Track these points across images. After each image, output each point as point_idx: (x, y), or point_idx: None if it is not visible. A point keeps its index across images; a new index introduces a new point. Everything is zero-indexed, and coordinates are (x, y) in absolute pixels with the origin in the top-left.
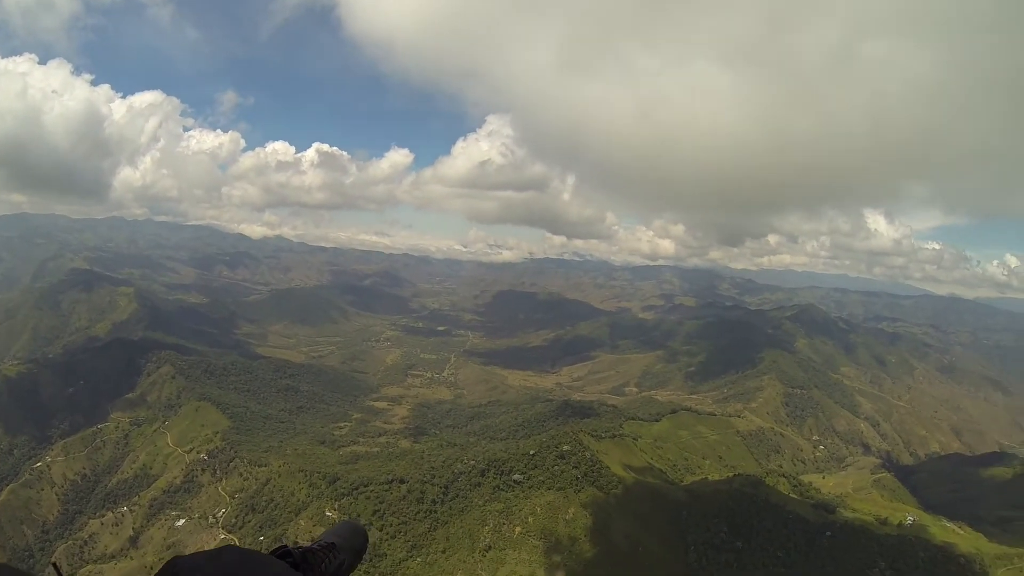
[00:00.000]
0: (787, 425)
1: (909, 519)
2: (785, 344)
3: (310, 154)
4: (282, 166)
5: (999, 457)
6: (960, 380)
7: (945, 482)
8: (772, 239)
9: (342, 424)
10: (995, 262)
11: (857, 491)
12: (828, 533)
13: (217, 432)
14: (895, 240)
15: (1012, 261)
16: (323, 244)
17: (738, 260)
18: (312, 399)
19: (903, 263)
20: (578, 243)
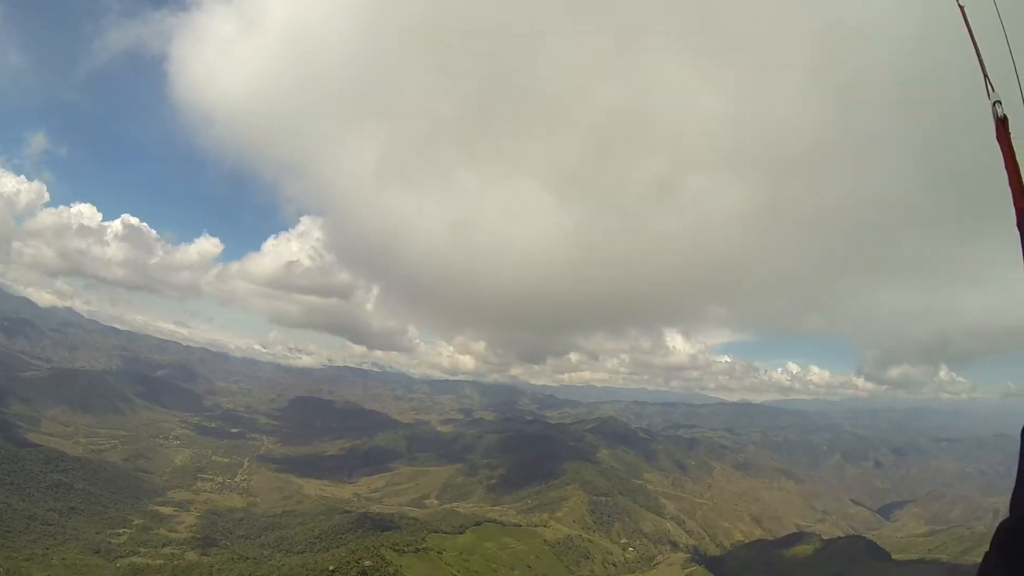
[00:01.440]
0: (594, 531)
1: None
2: (587, 455)
3: (117, 224)
4: (85, 231)
5: (798, 537)
6: (755, 474)
7: (753, 566)
8: (573, 356)
9: (121, 531)
10: (779, 369)
11: None
12: None
13: None
14: (691, 355)
15: (793, 367)
16: (117, 325)
17: (539, 376)
18: (87, 499)
19: (698, 375)
20: (378, 354)
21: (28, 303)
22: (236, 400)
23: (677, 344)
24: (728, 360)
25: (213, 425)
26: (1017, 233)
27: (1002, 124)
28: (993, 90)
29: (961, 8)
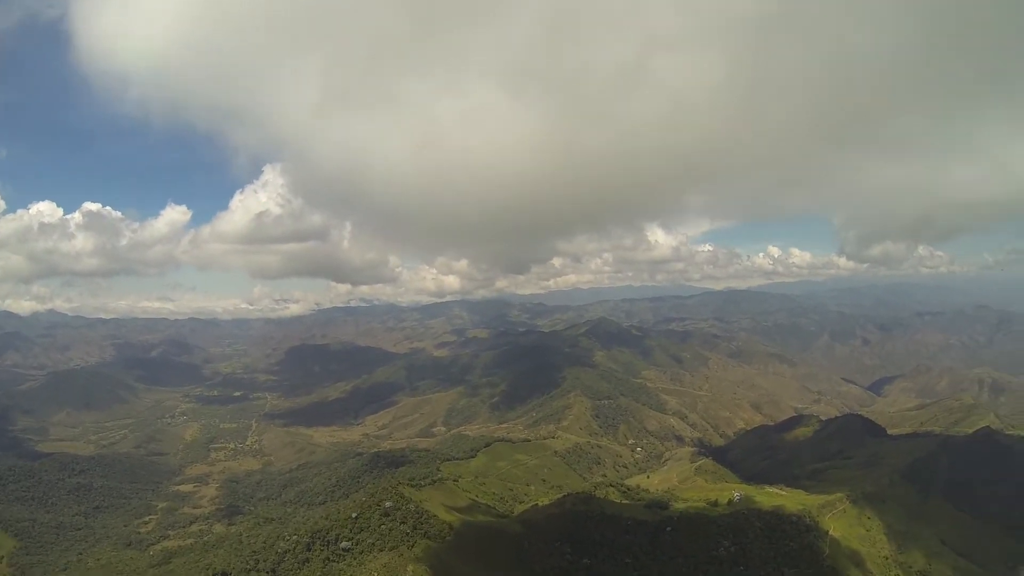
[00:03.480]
0: (601, 436)
1: (736, 495)
2: (584, 360)
3: (79, 215)
4: (48, 229)
5: (798, 420)
6: (749, 361)
7: (757, 452)
8: (557, 262)
9: (147, 519)
10: (761, 254)
11: (683, 482)
12: (668, 528)
13: (2, 558)
14: (673, 248)
15: (774, 251)
16: (102, 315)
17: (525, 286)
18: (109, 495)
19: (683, 267)
20: (364, 289)
21: (9, 315)
22: (233, 363)
23: (658, 238)
24: (710, 249)
25: (215, 393)
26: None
27: None
28: None
29: None
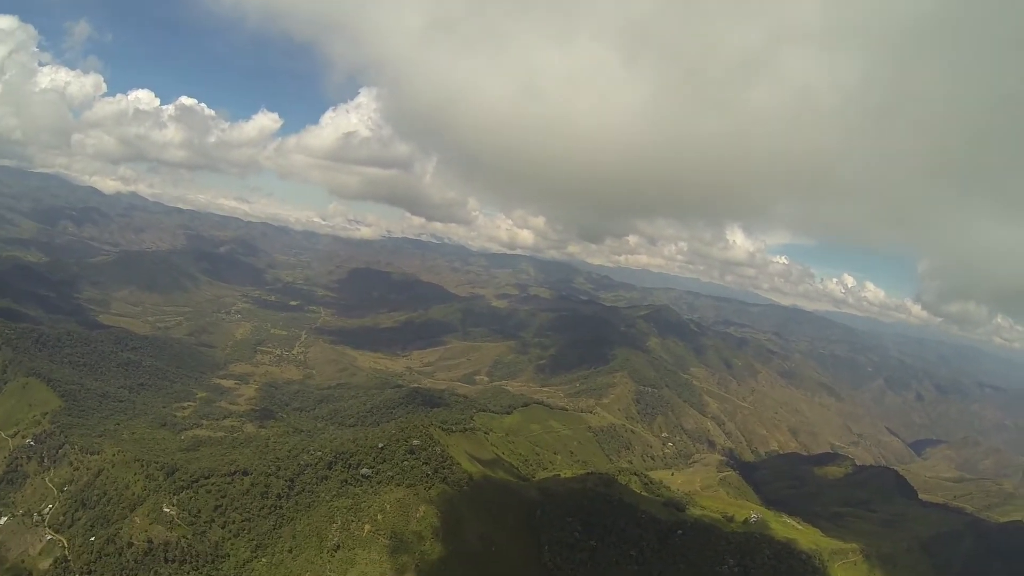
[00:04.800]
0: (637, 422)
1: (753, 516)
2: (638, 342)
3: (175, 107)
4: (143, 116)
5: (832, 457)
6: (798, 385)
7: (784, 479)
8: (632, 239)
9: (186, 404)
10: (834, 280)
11: (705, 489)
12: (679, 532)
13: (46, 414)
14: (750, 253)
15: (849, 280)
16: (180, 206)
17: (596, 256)
18: (155, 375)
19: (754, 274)
20: (437, 226)
21: (94, 191)
22: (295, 273)
23: (737, 239)
24: (785, 262)
25: (273, 298)
26: None
27: None
28: None
29: None
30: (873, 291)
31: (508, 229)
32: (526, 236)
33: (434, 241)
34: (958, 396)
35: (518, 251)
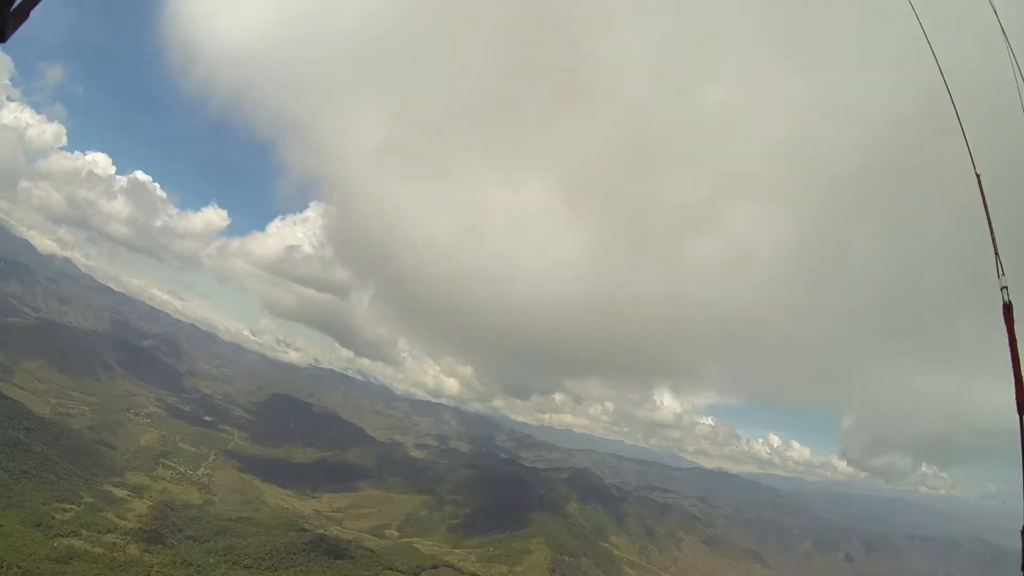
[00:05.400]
0: None
1: None
2: (557, 507)
3: (129, 180)
4: (95, 181)
5: None
6: (723, 553)
7: None
8: (559, 397)
9: (68, 506)
10: (760, 440)
11: None
12: None
13: None
14: (676, 414)
15: (774, 440)
16: (112, 285)
17: (520, 412)
18: (42, 465)
19: (679, 436)
20: (365, 362)
21: (28, 246)
22: (216, 386)
23: (665, 400)
24: (712, 423)
25: (187, 408)
26: None
27: (1007, 309)
28: (1003, 273)
29: (977, 176)
30: (799, 449)
31: (435, 376)
32: (452, 385)
33: (360, 378)
34: (888, 552)
35: (443, 400)
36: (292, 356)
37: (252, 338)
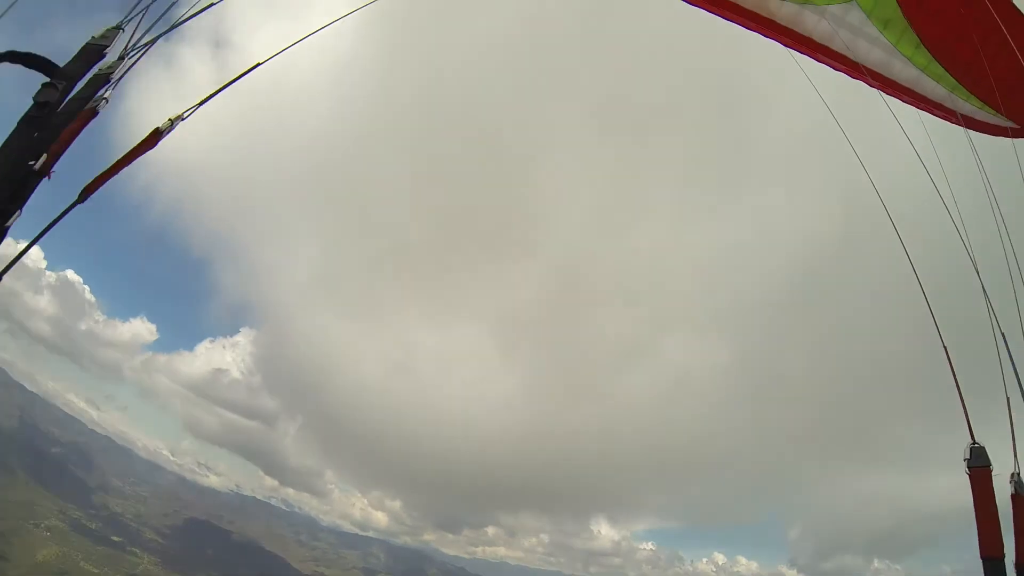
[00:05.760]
0: None
1: None
2: None
3: (58, 278)
4: (23, 272)
5: None
6: None
7: None
8: (491, 530)
9: None
10: (704, 559)
11: None
12: None
13: None
14: (615, 542)
15: (719, 558)
16: (26, 384)
17: (451, 546)
18: None
19: (619, 563)
20: (290, 491)
21: None
22: (128, 505)
23: (603, 528)
24: (652, 548)
25: (94, 526)
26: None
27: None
28: (975, 442)
29: (945, 349)
30: (746, 564)
31: (363, 509)
32: (380, 518)
33: (284, 508)
34: None
35: (370, 533)
36: (213, 480)
37: (171, 458)
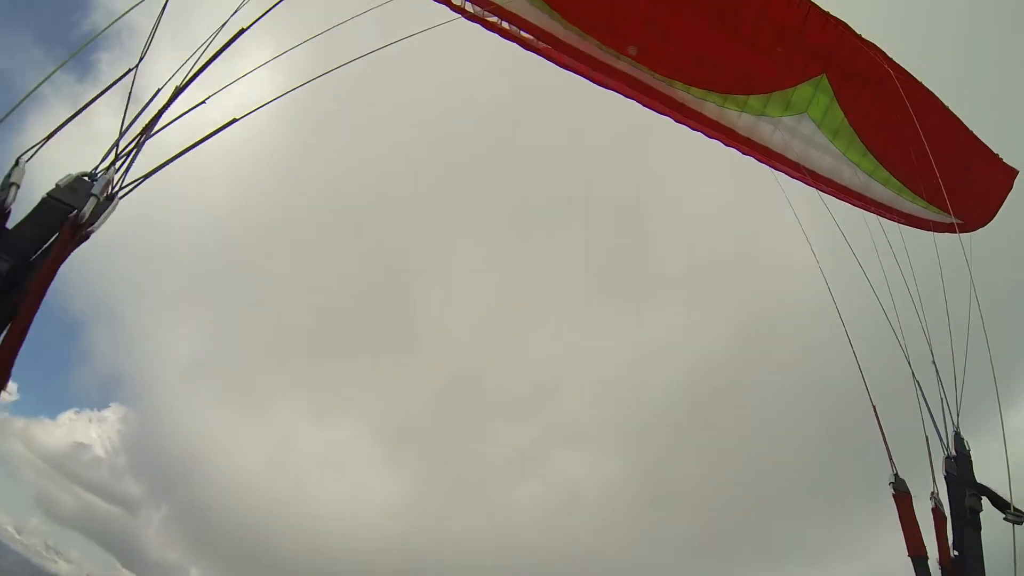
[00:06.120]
0: None
1: None
2: None
3: None
4: None
5: None
6: None
7: None
8: None
9: None
10: None
11: None
12: None
13: None
14: None
15: None
16: None
17: None
18: None
19: None
20: None
21: None
22: None
23: None
24: None
25: None
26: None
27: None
28: (897, 474)
29: (874, 407)
30: None
31: None
32: None
33: None
34: None
35: None
36: (62, 567)
37: (16, 536)
